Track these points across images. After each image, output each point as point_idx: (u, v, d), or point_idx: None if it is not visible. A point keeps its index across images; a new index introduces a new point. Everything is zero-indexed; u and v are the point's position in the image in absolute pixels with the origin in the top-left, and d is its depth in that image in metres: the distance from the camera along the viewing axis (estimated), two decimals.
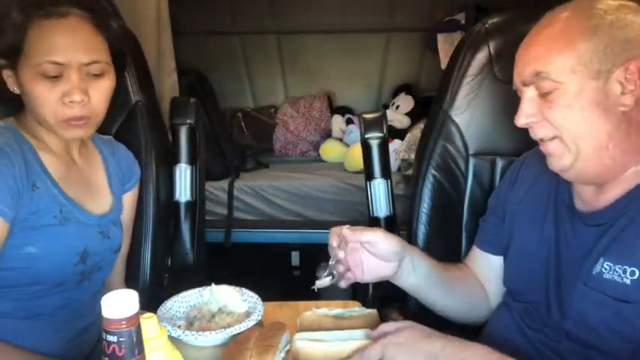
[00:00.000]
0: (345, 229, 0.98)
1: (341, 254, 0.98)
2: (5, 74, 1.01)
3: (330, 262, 1.01)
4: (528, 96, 0.90)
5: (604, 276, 0.85)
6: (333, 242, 0.99)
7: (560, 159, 0.89)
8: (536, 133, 0.91)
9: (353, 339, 0.91)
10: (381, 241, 0.97)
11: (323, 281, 1.01)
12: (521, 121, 0.91)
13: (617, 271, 0.84)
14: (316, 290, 1.02)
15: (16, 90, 1.02)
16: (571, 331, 0.90)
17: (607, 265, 0.85)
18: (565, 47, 0.85)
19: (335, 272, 1.00)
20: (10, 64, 0.99)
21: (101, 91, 1.03)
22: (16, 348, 1.00)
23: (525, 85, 0.90)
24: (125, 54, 1.14)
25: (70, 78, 0.98)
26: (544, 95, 0.87)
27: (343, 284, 1.01)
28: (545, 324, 0.96)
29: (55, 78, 0.98)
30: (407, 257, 1.01)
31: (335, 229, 1.00)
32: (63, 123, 1.01)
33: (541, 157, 0.96)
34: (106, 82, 1.04)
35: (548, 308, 0.95)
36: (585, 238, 0.92)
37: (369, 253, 0.99)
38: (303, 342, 0.91)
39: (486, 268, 1.12)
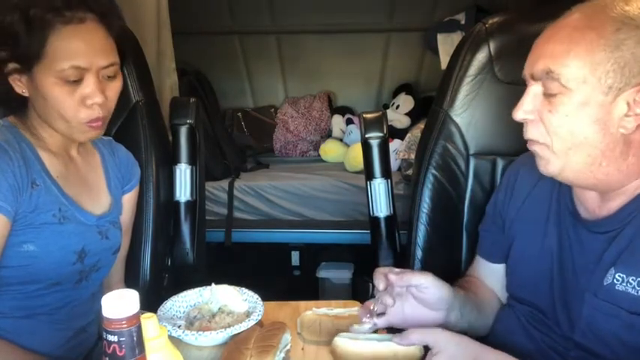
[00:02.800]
0: (392, 274, 0.94)
1: (389, 301, 0.93)
2: (13, 78, 1.01)
3: (372, 307, 0.95)
4: (533, 91, 0.86)
5: (616, 287, 0.82)
6: (380, 285, 0.94)
7: (547, 164, 0.87)
8: (528, 132, 0.88)
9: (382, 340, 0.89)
10: (431, 285, 0.94)
11: (362, 327, 0.94)
12: (518, 114, 0.87)
13: (630, 283, 0.81)
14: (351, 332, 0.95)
15: (24, 93, 1.02)
16: (580, 342, 0.88)
17: (619, 276, 0.82)
18: (584, 53, 0.80)
19: (375, 321, 0.95)
20: (24, 69, 0.99)
21: (114, 92, 1.06)
22: (15, 347, 1.00)
23: (534, 78, 0.86)
24: (124, 52, 1.14)
25: (89, 81, 1.00)
26: (548, 96, 0.84)
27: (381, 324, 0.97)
28: (552, 330, 0.94)
29: (76, 82, 0.99)
30: (455, 305, 0.98)
31: (381, 271, 0.95)
32: (83, 125, 1.02)
33: None
34: (118, 83, 1.07)
35: (556, 317, 0.94)
36: (590, 245, 0.89)
37: (415, 301, 0.96)
38: (343, 339, 0.90)
39: (492, 276, 1.11)
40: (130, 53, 1.22)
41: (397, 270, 0.95)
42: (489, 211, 1.12)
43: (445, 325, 0.96)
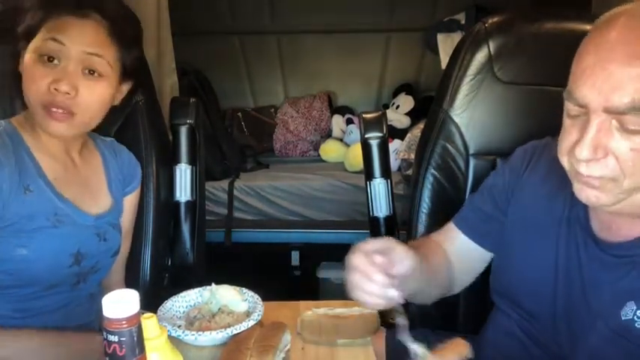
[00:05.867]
0: (378, 258, 0.79)
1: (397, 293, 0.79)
2: (21, 56, 1.03)
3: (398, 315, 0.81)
4: (602, 125, 0.71)
5: (636, 325, 0.75)
6: (386, 282, 0.78)
7: (602, 196, 0.75)
8: (592, 170, 0.74)
9: None
10: (409, 268, 0.83)
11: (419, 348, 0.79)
12: (583, 154, 0.72)
13: None
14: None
15: (22, 71, 1.02)
16: None
17: None
18: None
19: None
20: (23, 46, 1.01)
21: (92, 92, 1.01)
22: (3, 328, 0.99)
23: (609, 112, 0.70)
24: (135, 81, 1.15)
25: (66, 69, 0.98)
26: (628, 131, 0.70)
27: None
28: (550, 349, 0.89)
29: (52, 62, 0.98)
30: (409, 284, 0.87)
31: (365, 263, 0.78)
32: (44, 110, 0.99)
33: (553, 156, 0.83)
34: (102, 85, 1.02)
35: (556, 335, 0.88)
36: (604, 268, 0.82)
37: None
38: None
39: (465, 253, 1.03)
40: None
41: (378, 249, 0.81)
42: (494, 191, 1.02)
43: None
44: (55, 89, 0.97)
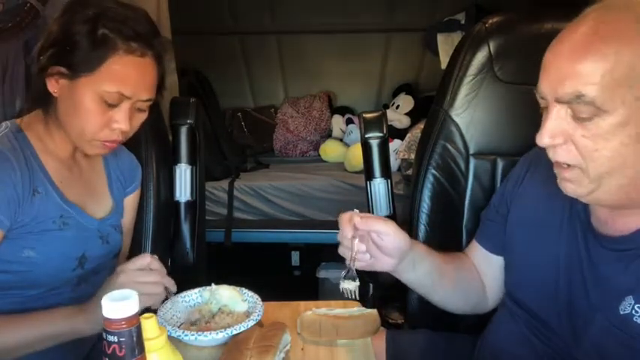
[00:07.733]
0: (357, 217, 0.93)
1: (362, 247, 0.94)
2: (52, 78, 1.01)
3: (348, 262, 0.94)
4: (558, 115, 0.77)
5: (635, 320, 0.77)
6: (348, 233, 0.94)
7: (576, 188, 0.80)
8: (557, 155, 0.80)
9: None
10: (392, 234, 0.93)
11: (349, 284, 0.95)
12: (544, 141, 0.79)
13: None
14: (345, 294, 0.96)
15: (55, 93, 1.02)
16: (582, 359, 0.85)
17: (639, 307, 0.77)
18: (621, 72, 0.71)
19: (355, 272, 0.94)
20: (69, 76, 0.99)
21: (139, 123, 1.07)
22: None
23: (559, 102, 0.77)
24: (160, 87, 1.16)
25: (123, 108, 1.01)
26: (580, 119, 0.75)
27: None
28: (553, 342, 0.91)
29: (111, 105, 1.01)
30: (409, 256, 0.97)
31: (345, 216, 0.96)
32: (98, 142, 1.03)
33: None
34: (145, 115, 1.08)
35: (559, 330, 0.90)
36: (604, 263, 0.84)
37: (373, 243, 0.95)
38: None
39: (485, 264, 1.08)
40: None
41: (361, 214, 0.95)
42: (495, 200, 1.09)
43: (395, 271, 0.99)
44: (117, 128, 1.02)
